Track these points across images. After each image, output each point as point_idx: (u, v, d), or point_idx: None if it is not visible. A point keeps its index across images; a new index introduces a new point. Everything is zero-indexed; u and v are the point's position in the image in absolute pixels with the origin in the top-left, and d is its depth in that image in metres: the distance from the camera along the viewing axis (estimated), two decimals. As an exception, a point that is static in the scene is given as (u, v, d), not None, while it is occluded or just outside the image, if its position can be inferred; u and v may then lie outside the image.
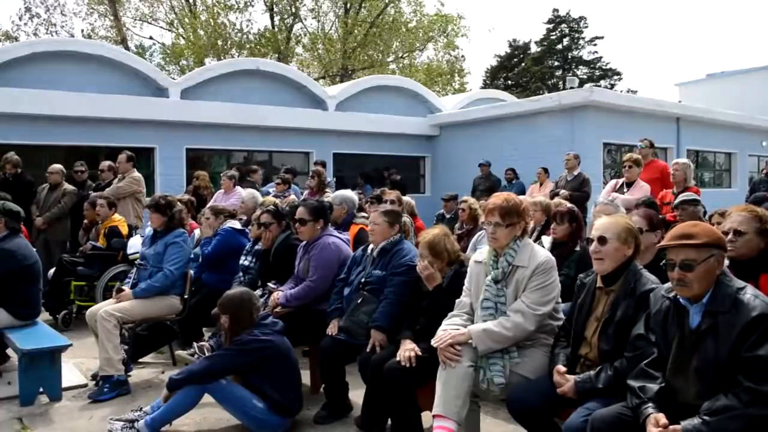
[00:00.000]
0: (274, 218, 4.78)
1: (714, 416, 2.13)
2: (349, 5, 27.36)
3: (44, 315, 5.59)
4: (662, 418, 2.20)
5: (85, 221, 7.16)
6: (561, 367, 2.75)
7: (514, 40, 38.79)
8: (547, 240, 4.60)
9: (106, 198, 6.70)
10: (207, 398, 3.52)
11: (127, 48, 24.51)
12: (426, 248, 3.45)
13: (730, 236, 2.89)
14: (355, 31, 26.72)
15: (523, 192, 9.80)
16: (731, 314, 2.24)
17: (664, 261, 2.47)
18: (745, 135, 17.06)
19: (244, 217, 6.27)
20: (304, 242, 4.42)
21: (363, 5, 26.93)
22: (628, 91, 32.07)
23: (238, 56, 24.85)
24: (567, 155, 8.89)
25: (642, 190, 6.37)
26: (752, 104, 20.35)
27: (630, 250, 2.77)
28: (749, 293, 2.28)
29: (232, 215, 5.98)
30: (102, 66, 11.42)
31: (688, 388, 2.31)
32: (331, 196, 6.44)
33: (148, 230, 5.62)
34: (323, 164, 9.99)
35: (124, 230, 6.59)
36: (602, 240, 2.77)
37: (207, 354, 4.01)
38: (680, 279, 2.33)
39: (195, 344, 4.34)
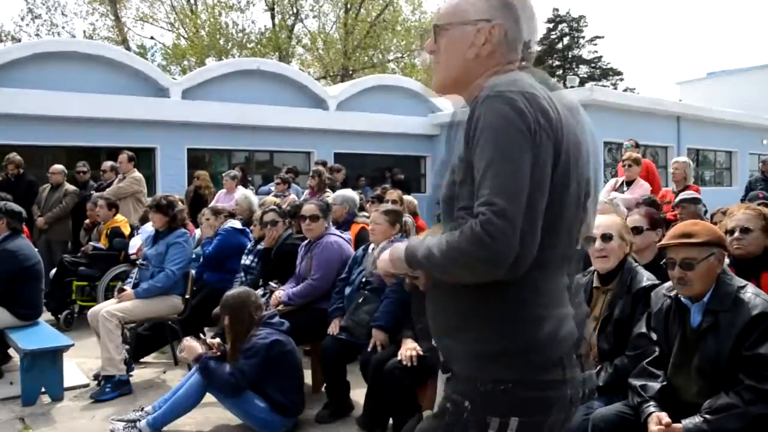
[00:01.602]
0: (279, 217, 4.82)
1: (715, 414, 2.14)
2: (349, 5, 27.35)
3: (46, 315, 5.59)
4: (664, 417, 2.20)
5: (87, 221, 7.18)
6: None
7: (515, 40, 38.74)
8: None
9: (106, 199, 6.71)
10: (209, 398, 3.53)
11: (128, 48, 24.51)
12: None
13: (737, 234, 2.89)
14: (356, 31, 26.71)
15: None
16: (732, 313, 2.25)
17: (664, 260, 2.48)
18: (746, 133, 17.06)
19: (241, 218, 6.28)
20: (306, 241, 4.43)
21: (363, 5, 26.92)
22: (625, 90, 32.04)
23: (240, 56, 24.86)
24: None
25: (642, 188, 6.36)
26: (753, 102, 20.33)
27: (628, 248, 2.82)
28: (750, 292, 2.28)
29: (232, 215, 5.99)
30: (103, 66, 11.43)
31: (690, 387, 2.32)
32: (331, 195, 6.44)
33: (150, 230, 5.63)
34: (324, 164, 10.00)
35: (126, 230, 6.60)
36: (607, 237, 2.77)
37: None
38: (681, 278, 2.33)
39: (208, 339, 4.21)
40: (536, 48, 1.42)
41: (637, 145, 8.05)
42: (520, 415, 1.26)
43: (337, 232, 4.61)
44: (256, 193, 8.53)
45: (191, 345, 3.58)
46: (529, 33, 1.38)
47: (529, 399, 1.27)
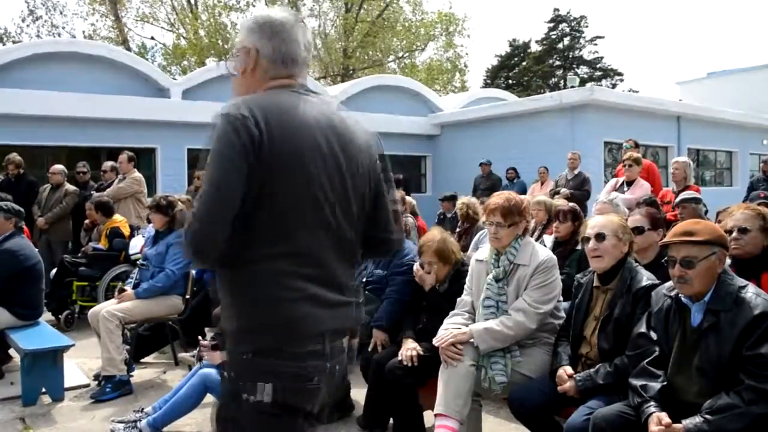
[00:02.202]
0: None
1: (716, 415, 2.13)
2: (349, 5, 27.34)
3: (46, 315, 5.60)
4: (664, 417, 2.20)
5: (87, 221, 7.17)
6: (569, 369, 2.75)
7: (515, 40, 38.72)
8: (549, 239, 4.60)
9: (93, 201, 6.71)
10: (209, 398, 3.52)
11: (128, 48, 24.52)
12: (434, 256, 3.45)
13: (735, 234, 2.89)
14: (356, 30, 26.70)
15: (524, 191, 9.81)
16: (733, 312, 2.24)
17: (665, 258, 2.47)
18: (746, 133, 17.04)
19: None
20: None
21: (363, 5, 26.92)
22: (629, 91, 32.01)
23: (239, 56, 24.76)
24: (572, 154, 8.90)
25: (642, 188, 6.36)
26: (753, 102, 20.31)
27: (626, 248, 2.80)
28: (751, 291, 2.28)
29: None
30: (103, 66, 11.43)
31: (690, 387, 2.31)
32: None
33: (150, 230, 5.63)
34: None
35: (126, 231, 6.60)
36: (600, 237, 2.78)
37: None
38: (681, 276, 2.33)
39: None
40: (306, 59, 1.67)
41: (637, 145, 8.06)
42: (273, 381, 1.46)
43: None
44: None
45: (217, 354, 3.48)
46: (287, 50, 1.62)
47: (282, 368, 1.47)
